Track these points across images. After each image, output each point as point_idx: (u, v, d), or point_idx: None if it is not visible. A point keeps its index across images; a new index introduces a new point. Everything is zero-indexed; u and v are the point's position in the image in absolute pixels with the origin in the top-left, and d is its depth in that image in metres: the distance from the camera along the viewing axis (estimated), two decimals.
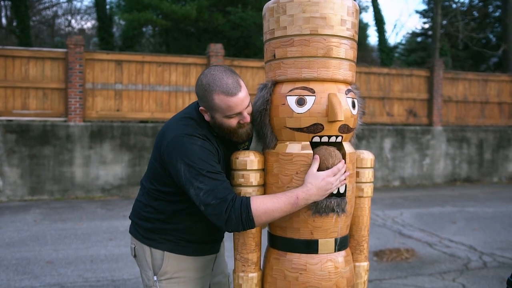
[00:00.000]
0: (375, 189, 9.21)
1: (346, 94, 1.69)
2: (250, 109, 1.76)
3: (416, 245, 5.78)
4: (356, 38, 1.73)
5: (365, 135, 10.99)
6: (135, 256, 1.98)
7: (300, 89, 1.65)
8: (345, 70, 1.69)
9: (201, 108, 1.78)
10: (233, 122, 1.74)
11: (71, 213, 7.47)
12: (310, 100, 1.63)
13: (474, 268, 4.94)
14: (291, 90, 1.66)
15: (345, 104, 1.66)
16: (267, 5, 1.73)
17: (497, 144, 12.38)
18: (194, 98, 10.03)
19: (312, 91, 1.64)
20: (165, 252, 1.87)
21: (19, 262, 4.92)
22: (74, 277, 4.51)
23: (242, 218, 1.61)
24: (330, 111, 1.61)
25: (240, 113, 1.72)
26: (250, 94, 1.76)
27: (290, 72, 1.67)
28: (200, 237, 1.90)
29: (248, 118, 1.74)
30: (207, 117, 1.78)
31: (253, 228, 1.67)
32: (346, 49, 1.67)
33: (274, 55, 1.71)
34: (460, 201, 9.08)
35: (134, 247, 1.96)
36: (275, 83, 1.73)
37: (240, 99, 1.69)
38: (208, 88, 1.69)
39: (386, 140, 11.29)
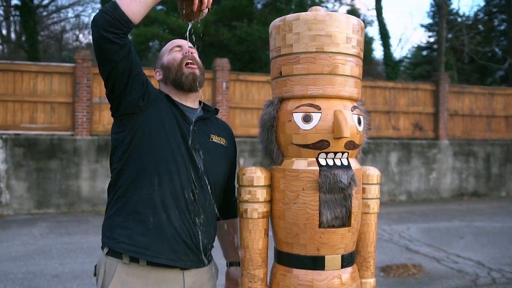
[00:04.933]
0: (382, 204, 9.17)
1: (352, 111, 1.69)
2: (194, 51, 1.90)
3: (423, 260, 5.74)
4: (362, 55, 1.74)
5: (371, 149, 10.97)
6: (95, 274, 1.82)
7: (306, 106, 1.66)
8: (351, 87, 1.70)
9: (155, 71, 1.93)
10: (178, 54, 1.86)
11: (77, 227, 7.48)
12: (316, 116, 1.64)
13: (482, 285, 4.89)
14: (297, 107, 1.67)
15: (350, 121, 1.67)
16: (273, 23, 1.75)
17: (504, 158, 12.31)
18: None
19: (318, 108, 1.65)
20: (118, 266, 1.70)
21: (25, 276, 4.92)
22: None
23: (105, 7, 1.57)
24: (336, 128, 1.62)
25: (181, 46, 1.88)
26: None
27: (296, 89, 1.68)
28: (157, 219, 1.69)
29: (188, 50, 1.86)
30: (158, 76, 1.90)
31: (119, 12, 1.54)
32: (351, 66, 1.68)
33: (281, 72, 1.72)
34: (467, 216, 9.01)
35: (96, 265, 1.84)
36: (282, 100, 1.74)
37: (181, 40, 1.92)
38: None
39: (392, 154, 11.26)
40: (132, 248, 1.69)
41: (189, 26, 1.81)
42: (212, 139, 1.86)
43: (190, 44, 1.90)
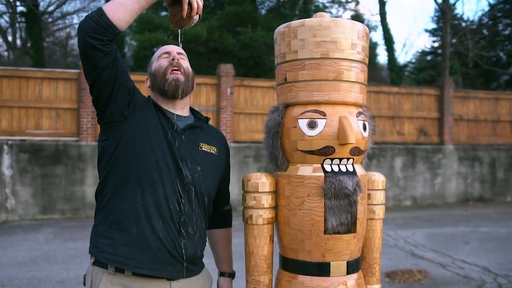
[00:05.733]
0: (386, 209, 9.14)
1: (357, 117, 1.69)
2: (183, 57, 1.86)
3: (428, 266, 5.70)
4: (367, 61, 1.74)
5: (375, 154, 10.94)
6: (84, 284, 1.81)
7: (312, 112, 1.66)
8: (356, 93, 1.70)
9: (146, 79, 1.90)
10: (164, 62, 1.81)
11: (82, 233, 7.48)
12: (321, 123, 1.64)
13: None
14: (302, 113, 1.67)
15: (356, 127, 1.67)
16: (278, 29, 1.76)
17: (509, 163, 12.24)
18: None
19: (323, 114, 1.65)
20: (103, 276, 1.69)
21: (30, 281, 4.93)
22: None
23: (90, 13, 1.57)
24: (341, 134, 1.62)
25: (169, 53, 1.83)
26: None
27: (301, 95, 1.69)
28: (141, 229, 1.67)
29: (175, 56, 1.81)
30: (148, 83, 1.88)
31: (104, 18, 1.54)
32: (356, 72, 1.68)
33: (286, 79, 1.72)
34: (473, 221, 8.96)
35: (85, 275, 1.82)
36: (287, 106, 1.74)
37: (171, 46, 1.87)
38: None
39: (397, 159, 11.23)
40: (116, 258, 1.67)
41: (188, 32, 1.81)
42: (201, 147, 1.81)
43: (179, 50, 1.87)
